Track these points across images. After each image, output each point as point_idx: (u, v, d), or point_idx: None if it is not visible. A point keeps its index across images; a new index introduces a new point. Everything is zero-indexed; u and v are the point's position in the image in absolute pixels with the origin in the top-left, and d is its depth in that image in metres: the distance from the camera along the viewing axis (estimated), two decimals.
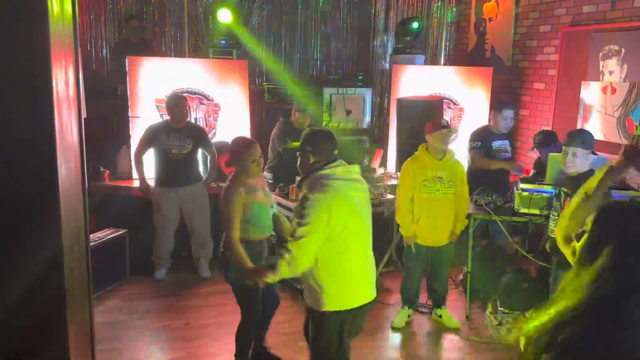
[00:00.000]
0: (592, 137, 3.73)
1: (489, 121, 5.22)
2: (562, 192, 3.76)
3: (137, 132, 5.35)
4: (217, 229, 5.22)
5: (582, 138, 3.64)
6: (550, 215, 3.89)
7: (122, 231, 5.00)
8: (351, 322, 2.84)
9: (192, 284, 5.05)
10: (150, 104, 5.49)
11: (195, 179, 5.09)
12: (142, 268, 5.12)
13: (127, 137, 5.50)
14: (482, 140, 5.13)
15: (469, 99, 6.40)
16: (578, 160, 3.61)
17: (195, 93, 5.68)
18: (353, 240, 2.77)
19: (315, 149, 2.83)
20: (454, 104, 6.39)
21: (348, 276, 2.78)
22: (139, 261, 5.11)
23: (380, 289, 5.13)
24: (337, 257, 2.74)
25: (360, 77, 6.61)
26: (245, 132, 5.88)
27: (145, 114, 5.45)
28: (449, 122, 4.96)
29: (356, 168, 2.88)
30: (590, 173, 3.63)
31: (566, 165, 3.66)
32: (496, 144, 5.13)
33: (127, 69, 5.43)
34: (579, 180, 3.60)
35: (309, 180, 2.79)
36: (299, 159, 2.92)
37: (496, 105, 5.22)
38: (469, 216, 4.38)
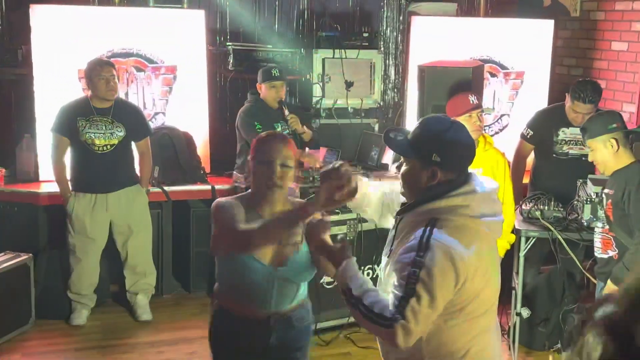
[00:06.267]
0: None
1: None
2: (603, 195, 3.89)
3: (45, 115, 5.22)
4: (163, 251, 5.21)
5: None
6: (595, 229, 4.00)
7: (25, 256, 4.97)
8: None
9: (125, 331, 5.06)
10: (64, 72, 5.40)
11: (129, 181, 5.05)
12: (53, 309, 5.10)
13: (32, 121, 5.40)
14: (534, 127, 5.08)
15: (521, 65, 6.43)
16: None
17: (131, 55, 5.58)
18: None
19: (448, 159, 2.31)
20: (503, 68, 6.40)
21: None
22: (50, 299, 5.10)
23: None
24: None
25: (365, 35, 6.44)
26: (203, 112, 6.00)
27: (58, 87, 5.35)
28: (480, 99, 4.81)
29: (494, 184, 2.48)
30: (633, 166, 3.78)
31: None
32: (565, 131, 5.00)
33: (31, 23, 5.32)
34: (620, 175, 3.74)
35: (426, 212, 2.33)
36: (407, 171, 2.40)
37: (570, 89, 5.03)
38: (517, 232, 4.36)
